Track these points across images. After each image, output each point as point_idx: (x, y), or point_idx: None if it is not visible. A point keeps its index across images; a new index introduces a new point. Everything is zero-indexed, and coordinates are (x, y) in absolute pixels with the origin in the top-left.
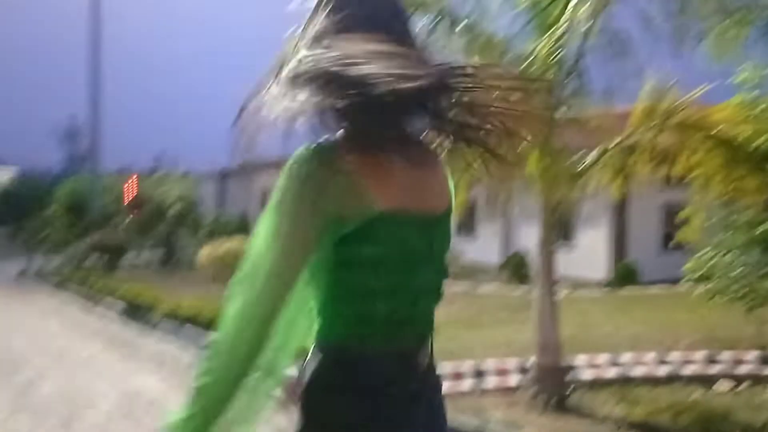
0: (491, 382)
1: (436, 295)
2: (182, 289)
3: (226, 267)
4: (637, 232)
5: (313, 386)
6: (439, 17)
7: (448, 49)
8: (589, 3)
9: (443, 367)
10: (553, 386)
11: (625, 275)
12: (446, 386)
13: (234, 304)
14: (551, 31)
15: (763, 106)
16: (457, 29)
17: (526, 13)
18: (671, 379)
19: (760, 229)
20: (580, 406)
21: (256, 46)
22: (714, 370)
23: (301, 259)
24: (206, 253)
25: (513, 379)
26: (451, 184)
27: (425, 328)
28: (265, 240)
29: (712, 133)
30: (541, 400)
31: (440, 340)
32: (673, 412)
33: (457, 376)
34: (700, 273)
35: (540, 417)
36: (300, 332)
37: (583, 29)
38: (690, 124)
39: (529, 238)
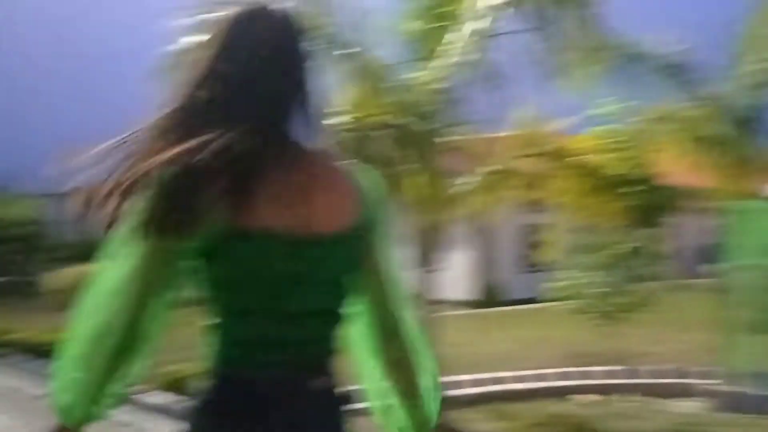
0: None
1: (329, 318)
2: (29, 318)
3: (75, 294)
4: (501, 253)
5: (195, 409)
6: (322, 43)
7: (331, 75)
8: (467, 37)
9: None
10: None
11: (489, 295)
12: None
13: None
14: (431, 61)
15: (619, 137)
16: (340, 56)
17: (408, 43)
18: (538, 393)
19: (617, 250)
20: (455, 423)
21: (107, 64)
22: (579, 383)
23: (152, 275)
24: (54, 279)
25: None
26: (368, 199)
27: (315, 352)
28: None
29: (576, 161)
30: None
31: None
32: (546, 425)
33: None
34: (564, 292)
35: None
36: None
37: (462, 61)
38: (557, 152)
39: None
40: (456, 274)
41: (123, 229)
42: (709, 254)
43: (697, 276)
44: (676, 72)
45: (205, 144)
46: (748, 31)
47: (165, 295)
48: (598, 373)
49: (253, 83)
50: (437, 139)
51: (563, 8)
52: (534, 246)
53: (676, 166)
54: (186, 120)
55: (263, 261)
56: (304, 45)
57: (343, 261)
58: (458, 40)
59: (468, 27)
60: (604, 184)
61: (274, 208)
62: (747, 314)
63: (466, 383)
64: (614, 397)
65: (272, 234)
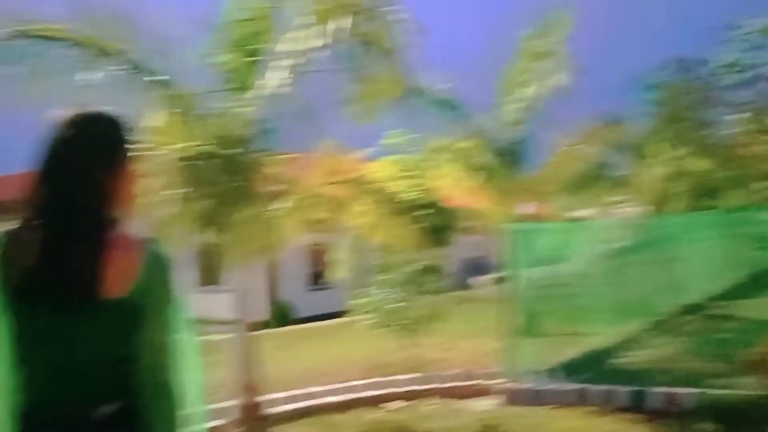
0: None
1: (92, 378)
2: None
3: None
4: (287, 272)
5: None
6: (128, 68)
7: (137, 101)
8: (280, 70)
9: None
10: (256, 423)
11: (280, 314)
12: None
13: None
14: (244, 92)
15: (407, 165)
16: (147, 82)
17: (220, 74)
18: (350, 404)
19: (409, 268)
20: None
21: None
22: (385, 391)
23: None
24: None
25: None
26: (140, 269)
27: (80, 391)
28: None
29: (373, 187)
30: None
31: None
32: (370, 431)
33: None
34: (363, 308)
35: None
36: None
37: (275, 93)
38: (356, 179)
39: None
40: (241, 295)
41: None
42: (479, 268)
43: (469, 288)
44: (449, 107)
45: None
46: (509, 73)
47: None
48: (400, 381)
49: (56, 188)
50: (255, 167)
51: (367, 50)
52: (321, 265)
53: (454, 191)
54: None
55: (28, 327)
56: (102, 144)
57: (112, 325)
58: (271, 73)
59: (280, 62)
60: (397, 208)
61: (40, 281)
62: (523, 320)
63: (280, 401)
64: (419, 402)
65: (40, 303)
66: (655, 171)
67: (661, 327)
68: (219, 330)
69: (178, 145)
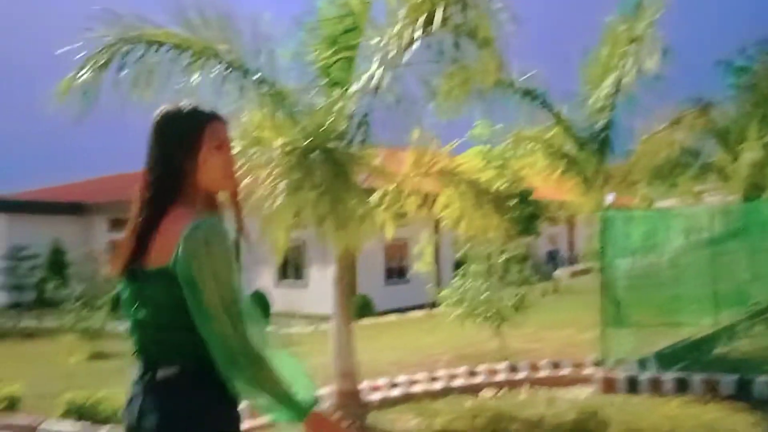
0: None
1: (154, 341)
2: None
3: None
4: (365, 267)
5: None
6: (230, 69)
7: (239, 100)
8: (375, 65)
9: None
10: (355, 410)
11: (361, 307)
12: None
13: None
14: (339, 87)
15: (495, 155)
16: (250, 81)
17: (316, 69)
18: (446, 391)
19: (496, 260)
20: (379, 425)
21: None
22: (477, 380)
23: None
24: None
25: None
26: (180, 240)
27: (148, 352)
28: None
29: (466, 178)
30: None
31: None
32: (468, 417)
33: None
34: (452, 299)
35: None
36: None
37: (369, 87)
38: (446, 170)
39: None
40: (322, 289)
41: None
42: (562, 259)
43: (553, 279)
44: (534, 96)
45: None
46: (597, 59)
47: None
48: (490, 371)
49: (149, 176)
50: (354, 160)
51: (460, 42)
52: (392, 259)
53: (540, 181)
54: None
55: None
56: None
57: (157, 288)
58: (366, 68)
59: (375, 57)
60: (486, 199)
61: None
62: (615, 310)
63: (375, 388)
64: (511, 390)
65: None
66: (745, 157)
67: (758, 316)
68: (303, 323)
69: (280, 141)
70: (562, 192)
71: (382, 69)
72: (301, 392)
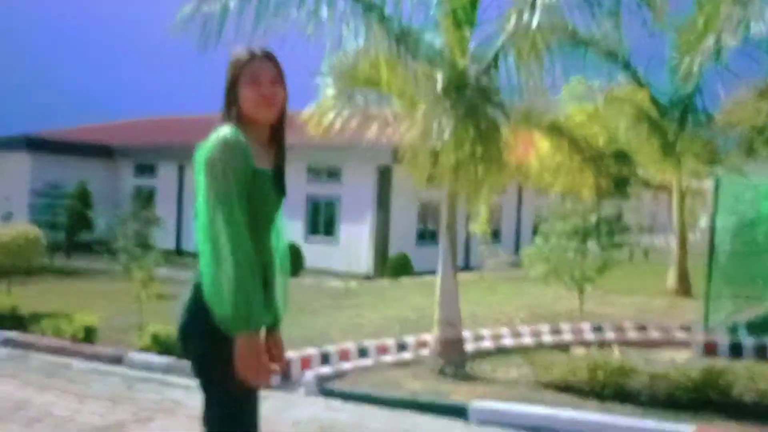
0: (389, 358)
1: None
2: None
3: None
4: (398, 228)
5: None
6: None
7: (363, 37)
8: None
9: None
10: (455, 357)
11: (399, 267)
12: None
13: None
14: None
15: (588, 115)
16: (374, 17)
17: (436, 7)
18: (538, 346)
19: (587, 220)
20: (480, 373)
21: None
22: (566, 337)
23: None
24: None
25: (406, 355)
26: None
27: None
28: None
29: (568, 135)
30: (447, 370)
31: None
32: (586, 371)
33: (344, 354)
34: (534, 258)
35: (457, 385)
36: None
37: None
38: (555, 125)
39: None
40: (353, 248)
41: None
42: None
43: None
44: (618, 58)
45: None
46: (686, 26)
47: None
48: (581, 329)
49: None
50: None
51: None
52: (426, 221)
53: (628, 143)
54: None
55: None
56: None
57: None
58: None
59: None
60: (587, 156)
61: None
62: (716, 275)
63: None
64: (606, 350)
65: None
66: None
67: None
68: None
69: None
70: (649, 155)
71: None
72: (258, 310)
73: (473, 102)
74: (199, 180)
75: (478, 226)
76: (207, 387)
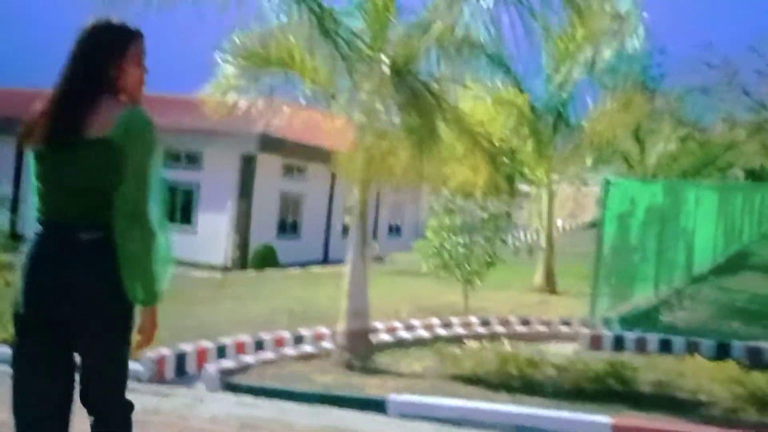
0: (290, 351)
1: (78, 206)
2: None
3: None
4: (259, 219)
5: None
6: None
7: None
8: None
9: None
10: (362, 350)
11: (264, 259)
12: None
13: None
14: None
15: (480, 114)
16: None
17: None
18: (436, 340)
19: (475, 216)
20: (385, 366)
21: None
22: (458, 331)
23: None
24: None
25: (308, 347)
26: (121, 117)
27: (67, 216)
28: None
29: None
30: (355, 363)
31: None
32: (495, 363)
33: (241, 347)
34: (430, 252)
35: (367, 378)
36: None
37: None
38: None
39: None
40: (211, 238)
41: None
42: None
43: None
44: (501, 63)
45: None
46: (564, 36)
47: None
48: (470, 323)
49: (72, 68)
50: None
51: None
52: (287, 212)
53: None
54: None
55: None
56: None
57: (91, 156)
58: None
59: None
60: (485, 153)
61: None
62: (601, 272)
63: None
64: (497, 343)
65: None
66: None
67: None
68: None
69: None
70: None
71: None
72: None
73: (415, 87)
74: (137, 159)
75: (351, 220)
76: (114, 349)
